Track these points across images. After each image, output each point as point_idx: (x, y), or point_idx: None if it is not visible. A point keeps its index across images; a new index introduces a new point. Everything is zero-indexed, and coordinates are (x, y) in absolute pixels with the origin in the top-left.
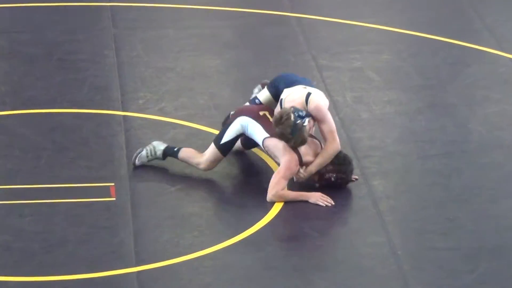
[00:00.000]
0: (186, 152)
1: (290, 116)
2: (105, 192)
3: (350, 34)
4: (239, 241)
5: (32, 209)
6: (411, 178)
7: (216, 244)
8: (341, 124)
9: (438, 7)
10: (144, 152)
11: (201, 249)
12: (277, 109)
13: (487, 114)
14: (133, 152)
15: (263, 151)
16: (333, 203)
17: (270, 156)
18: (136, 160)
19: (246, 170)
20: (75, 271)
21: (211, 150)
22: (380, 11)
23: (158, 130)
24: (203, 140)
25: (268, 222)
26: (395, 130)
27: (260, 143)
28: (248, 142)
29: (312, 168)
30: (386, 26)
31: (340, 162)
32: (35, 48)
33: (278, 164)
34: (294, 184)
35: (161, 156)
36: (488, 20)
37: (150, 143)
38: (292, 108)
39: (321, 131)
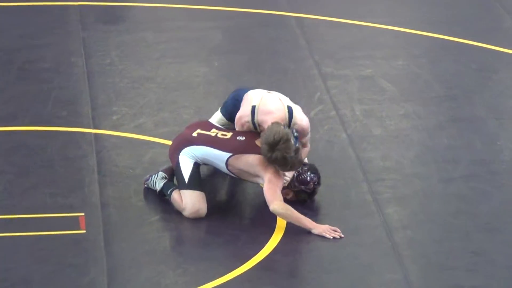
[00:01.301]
0: (173, 198)
1: (290, 138)
2: (73, 223)
3: (358, 36)
4: (231, 280)
5: None
6: (431, 205)
7: (204, 284)
8: (349, 142)
9: (461, 4)
10: (149, 180)
11: None
12: (243, 117)
13: None
14: (106, 176)
15: (225, 173)
16: (342, 236)
17: (237, 176)
18: (144, 185)
19: (237, 198)
20: None
21: (185, 196)
22: (393, 9)
23: (135, 150)
24: None
25: (265, 258)
26: (412, 148)
27: (222, 165)
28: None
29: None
30: (401, 27)
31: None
32: None
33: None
34: None
35: (158, 194)
36: None
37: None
38: (289, 129)
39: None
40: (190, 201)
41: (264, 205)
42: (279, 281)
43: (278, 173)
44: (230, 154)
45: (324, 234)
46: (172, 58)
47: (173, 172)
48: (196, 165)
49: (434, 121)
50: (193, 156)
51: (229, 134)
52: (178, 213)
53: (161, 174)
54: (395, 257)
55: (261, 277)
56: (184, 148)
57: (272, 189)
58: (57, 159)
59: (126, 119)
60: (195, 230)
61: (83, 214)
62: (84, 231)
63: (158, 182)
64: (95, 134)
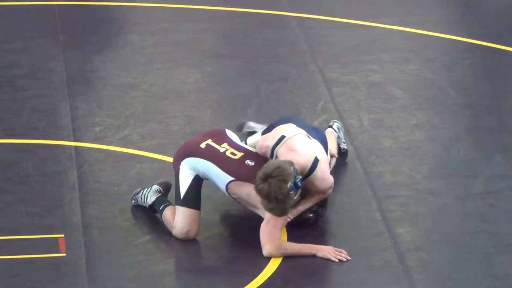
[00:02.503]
0: (164, 216)
1: (288, 180)
2: (52, 246)
3: (366, 38)
4: None
5: None
6: (447, 224)
7: None
8: (356, 154)
9: (480, 3)
10: (139, 195)
11: None
12: (267, 140)
13: None
14: (88, 194)
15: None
16: (349, 258)
17: (235, 200)
18: (133, 201)
19: (234, 216)
20: None
21: (178, 213)
22: (404, 8)
23: (120, 165)
24: None
25: (263, 283)
26: (426, 162)
27: (222, 186)
28: None
29: (300, 208)
30: (413, 27)
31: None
32: None
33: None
34: None
35: (149, 209)
36: None
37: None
38: (293, 170)
39: (312, 187)
40: (181, 219)
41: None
42: None
43: None
44: (232, 178)
45: (329, 256)
46: (160, 64)
47: (168, 187)
48: (197, 180)
49: (450, 132)
50: (194, 169)
51: (239, 155)
52: (168, 233)
53: (155, 187)
54: (408, 281)
55: None
56: (187, 157)
57: (268, 230)
58: (34, 175)
59: (110, 131)
60: (186, 253)
61: (62, 235)
62: (64, 254)
63: (150, 195)
64: (76, 147)
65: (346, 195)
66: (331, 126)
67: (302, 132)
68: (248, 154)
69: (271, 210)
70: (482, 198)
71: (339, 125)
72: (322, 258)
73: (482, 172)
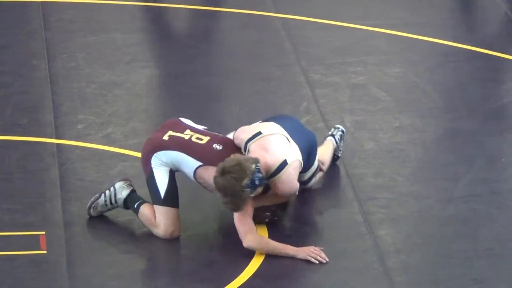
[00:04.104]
0: (143, 215)
1: (244, 177)
2: (33, 243)
3: (350, 40)
4: None
5: None
6: (428, 227)
7: None
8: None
9: (464, 7)
10: (101, 200)
11: None
12: (243, 133)
13: None
14: (70, 191)
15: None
16: (327, 260)
17: (204, 187)
18: (91, 210)
19: (214, 218)
20: None
21: (160, 213)
22: (388, 11)
23: (103, 163)
24: None
25: (244, 283)
26: (408, 165)
27: (190, 173)
28: None
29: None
30: (397, 30)
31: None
32: None
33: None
34: None
35: (122, 205)
36: None
37: (112, 183)
38: (256, 167)
39: (274, 189)
40: (164, 220)
41: None
42: None
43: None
44: (200, 163)
45: (309, 258)
46: (143, 62)
47: (131, 183)
48: (172, 176)
49: (433, 135)
50: (165, 163)
51: (205, 139)
52: (149, 232)
53: (120, 184)
54: (388, 284)
55: None
56: (155, 153)
57: (242, 220)
58: (15, 171)
59: (93, 129)
60: (167, 252)
61: (44, 232)
62: (45, 252)
63: (121, 190)
64: (58, 144)
65: (328, 197)
66: (333, 135)
67: (281, 133)
68: (214, 138)
69: (225, 204)
70: (463, 201)
71: (342, 135)
72: (302, 259)
73: (464, 175)
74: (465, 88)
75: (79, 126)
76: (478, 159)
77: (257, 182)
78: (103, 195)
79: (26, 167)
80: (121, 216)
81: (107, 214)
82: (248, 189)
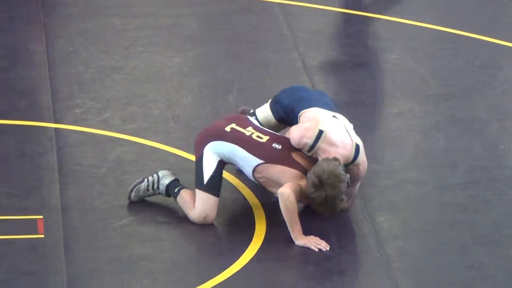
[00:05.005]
0: (182, 198)
1: (340, 182)
2: (30, 227)
3: (348, 26)
4: None
5: None
6: (426, 213)
7: None
8: None
9: None
10: (144, 184)
11: None
12: (304, 138)
13: None
14: (67, 176)
15: (251, 180)
16: (328, 248)
17: (260, 183)
18: (132, 194)
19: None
20: None
21: (199, 197)
22: None
23: (100, 147)
24: (158, 162)
25: (242, 268)
26: (406, 151)
27: (248, 169)
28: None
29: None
30: (396, 17)
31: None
32: None
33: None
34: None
35: (164, 192)
36: None
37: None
38: (342, 169)
39: (351, 174)
40: (201, 204)
41: (243, 212)
42: None
43: (300, 190)
44: (262, 161)
45: (308, 245)
46: (142, 47)
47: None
48: (220, 166)
49: (431, 122)
50: (218, 153)
51: (265, 138)
52: (146, 217)
53: (164, 171)
54: (385, 270)
55: None
56: (211, 141)
57: (291, 185)
58: (13, 155)
59: (91, 113)
60: (164, 237)
61: (41, 217)
62: (42, 236)
63: (165, 178)
64: (56, 129)
65: None
66: None
67: (330, 116)
68: (273, 137)
69: (323, 211)
70: (461, 188)
71: None
72: (301, 246)
73: (462, 162)
74: (464, 75)
75: (77, 111)
76: (476, 146)
77: (348, 182)
78: (145, 180)
79: (24, 151)
80: (118, 201)
81: (105, 198)
82: (344, 193)
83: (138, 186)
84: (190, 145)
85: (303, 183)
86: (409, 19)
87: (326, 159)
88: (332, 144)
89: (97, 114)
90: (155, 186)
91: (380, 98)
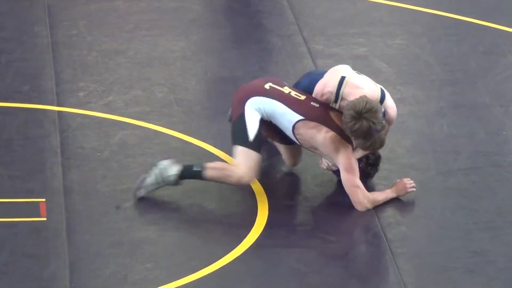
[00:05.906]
0: (214, 169)
1: (379, 110)
2: (33, 210)
3: (352, 11)
4: (204, 276)
5: None
6: (428, 199)
7: (175, 280)
8: None
9: None
10: (150, 179)
11: (156, 286)
12: (327, 86)
13: None
14: (70, 159)
15: (291, 139)
16: (414, 185)
17: (298, 142)
18: (141, 192)
19: (215, 186)
20: None
21: (244, 154)
22: None
23: (104, 131)
24: (160, 145)
25: (243, 253)
26: (409, 136)
27: (289, 126)
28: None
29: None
30: (400, 2)
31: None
32: None
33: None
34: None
35: (173, 181)
36: None
37: (155, 164)
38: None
39: None
40: (248, 162)
41: (245, 196)
42: (256, 278)
43: (351, 156)
44: (301, 117)
45: (409, 191)
46: (146, 31)
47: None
48: (262, 123)
49: (434, 107)
50: (259, 109)
51: (303, 97)
52: (148, 201)
53: (165, 162)
54: (388, 256)
55: (238, 273)
56: (252, 98)
57: (352, 183)
58: (16, 138)
59: (94, 97)
60: (166, 220)
61: (44, 200)
62: (45, 219)
63: (169, 169)
64: (59, 112)
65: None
66: None
67: (352, 70)
68: (311, 97)
69: (371, 145)
70: (464, 174)
71: None
72: (301, 230)
73: (465, 148)
74: (467, 61)
75: (80, 94)
76: (479, 132)
77: (384, 112)
78: (148, 176)
79: (27, 134)
80: (120, 184)
81: (108, 182)
82: (383, 120)
83: (144, 183)
84: (193, 129)
85: (340, 145)
86: (413, 5)
87: (356, 98)
88: (356, 86)
89: (100, 98)
90: (164, 177)
91: (383, 82)
